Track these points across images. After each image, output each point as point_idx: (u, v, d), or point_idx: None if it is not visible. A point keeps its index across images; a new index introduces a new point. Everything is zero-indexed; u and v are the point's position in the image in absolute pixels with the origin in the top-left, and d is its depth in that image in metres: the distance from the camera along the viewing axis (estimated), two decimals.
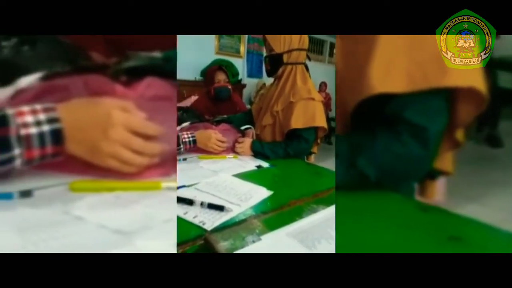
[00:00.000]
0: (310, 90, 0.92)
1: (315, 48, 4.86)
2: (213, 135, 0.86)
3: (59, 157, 0.37)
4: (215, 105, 1.48)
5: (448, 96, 0.44)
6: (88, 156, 0.39)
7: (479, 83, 0.41)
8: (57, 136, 0.36)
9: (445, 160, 0.52)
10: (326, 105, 4.30)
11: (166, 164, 0.44)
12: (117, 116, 0.38)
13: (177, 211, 0.45)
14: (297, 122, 0.89)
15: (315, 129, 0.93)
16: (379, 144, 0.44)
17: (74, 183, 0.38)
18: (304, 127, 0.89)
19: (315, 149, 1.03)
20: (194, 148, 0.85)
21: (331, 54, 5.19)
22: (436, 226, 0.38)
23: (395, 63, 0.42)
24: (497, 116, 2.39)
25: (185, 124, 0.94)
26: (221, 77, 1.46)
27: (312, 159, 1.10)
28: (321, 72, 4.34)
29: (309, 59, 1.03)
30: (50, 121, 0.35)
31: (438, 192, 0.59)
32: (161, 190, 0.39)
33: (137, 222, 0.32)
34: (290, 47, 0.93)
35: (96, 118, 0.38)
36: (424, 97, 0.42)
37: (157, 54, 0.55)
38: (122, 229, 0.31)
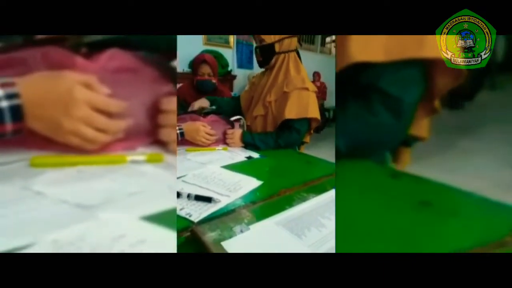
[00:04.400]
0: (304, 79, 0.91)
1: (307, 38, 4.81)
2: (202, 128, 0.84)
3: (20, 134, 0.36)
4: (198, 95, 1.44)
5: (426, 68, 0.44)
6: (49, 133, 0.37)
7: None
8: (17, 112, 0.34)
9: (421, 126, 0.52)
10: (321, 94, 4.31)
11: (131, 138, 0.43)
12: (80, 93, 0.37)
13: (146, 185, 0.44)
14: (291, 112, 0.87)
15: (308, 120, 0.92)
16: (349, 114, 0.44)
17: (34, 159, 0.36)
18: (297, 117, 0.88)
19: (307, 138, 1.02)
20: (182, 141, 0.83)
21: (323, 43, 5.15)
22: (407, 192, 0.38)
23: (375, 36, 0.42)
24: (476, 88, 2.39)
25: None
26: (205, 71, 1.40)
27: (302, 149, 1.09)
28: (313, 62, 4.32)
29: (300, 44, 1.01)
30: (9, 96, 0.33)
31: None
32: (126, 163, 0.39)
33: (100, 196, 0.32)
34: (281, 36, 0.90)
35: (58, 94, 0.36)
36: (399, 68, 0.42)
37: None
38: (84, 203, 0.30)
